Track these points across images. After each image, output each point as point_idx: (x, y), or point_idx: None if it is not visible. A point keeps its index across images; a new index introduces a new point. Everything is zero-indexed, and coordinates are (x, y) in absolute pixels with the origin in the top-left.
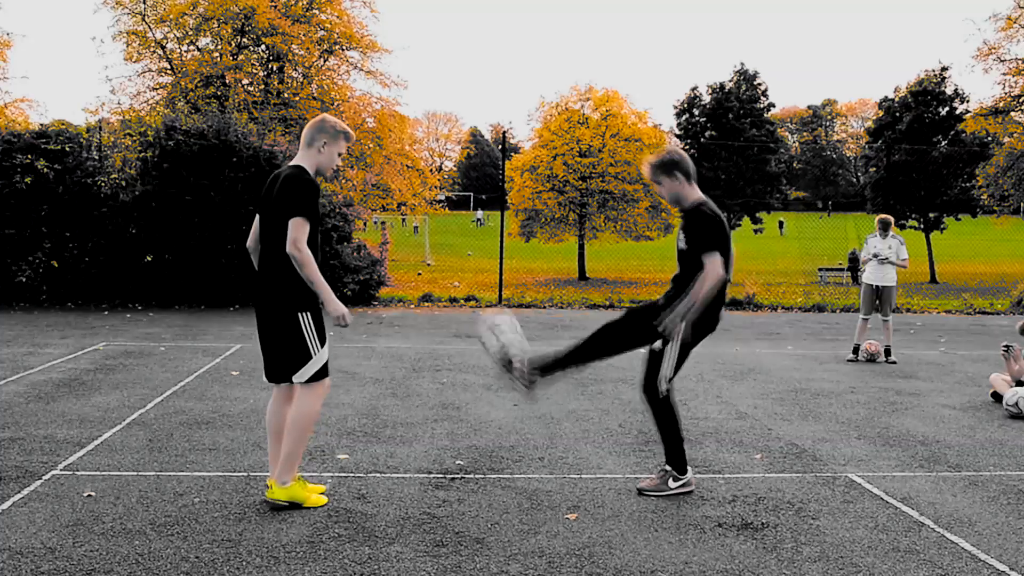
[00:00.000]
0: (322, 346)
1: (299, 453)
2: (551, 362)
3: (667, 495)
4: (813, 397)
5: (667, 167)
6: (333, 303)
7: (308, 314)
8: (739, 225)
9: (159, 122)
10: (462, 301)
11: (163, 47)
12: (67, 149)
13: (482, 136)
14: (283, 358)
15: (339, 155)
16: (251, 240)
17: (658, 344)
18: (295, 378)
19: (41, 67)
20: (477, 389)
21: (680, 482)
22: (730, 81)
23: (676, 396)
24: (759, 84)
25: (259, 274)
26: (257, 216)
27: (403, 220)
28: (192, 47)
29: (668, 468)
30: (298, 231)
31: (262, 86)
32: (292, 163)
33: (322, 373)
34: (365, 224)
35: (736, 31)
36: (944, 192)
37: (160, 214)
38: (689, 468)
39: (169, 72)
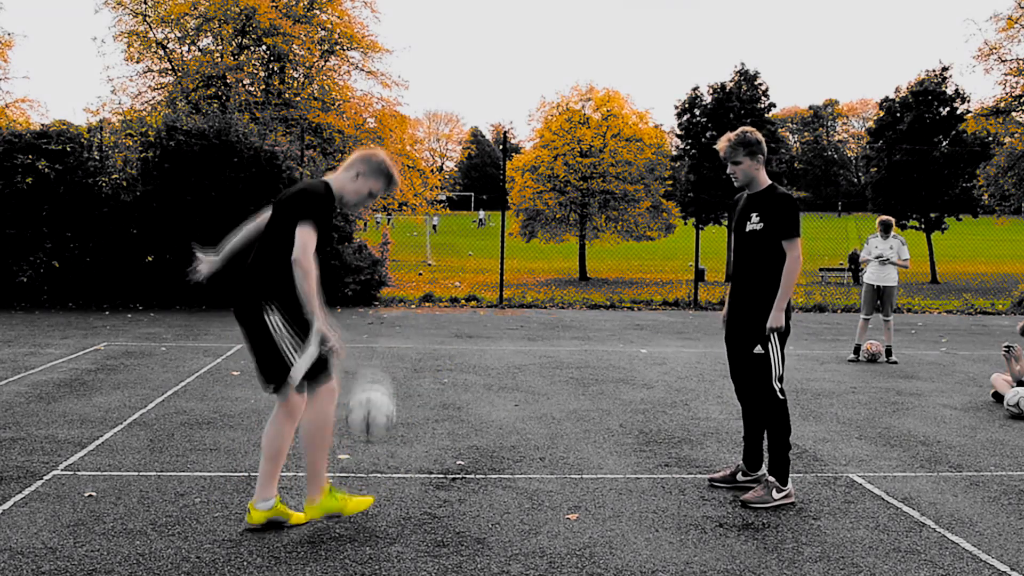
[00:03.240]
0: (298, 352)
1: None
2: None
3: (771, 506)
4: (814, 397)
5: (752, 147)
6: (322, 324)
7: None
8: None
9: (160, 122)
10: (463, 301)
11: (164, 47)
12: (68, 149)
13: (483, 136)
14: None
15: (371, 194)
16: (241, 236)
17: (758, 348)
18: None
19: (42, 67)
20: (478, 389)
21: (783, 493)
22: (731, 81)
23: (678, 397)
24: (760, 84)
25: (245, 274)
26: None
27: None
28: (193, 47)
29: (771, 479)
30: (307, 238)
31: (263, 86)
32: (322, 179)
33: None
34: (366, 225)
35: (736, 31)
36: (945, 192)
37: (161, 214)
38: (790, 481)
39: (170, 72)
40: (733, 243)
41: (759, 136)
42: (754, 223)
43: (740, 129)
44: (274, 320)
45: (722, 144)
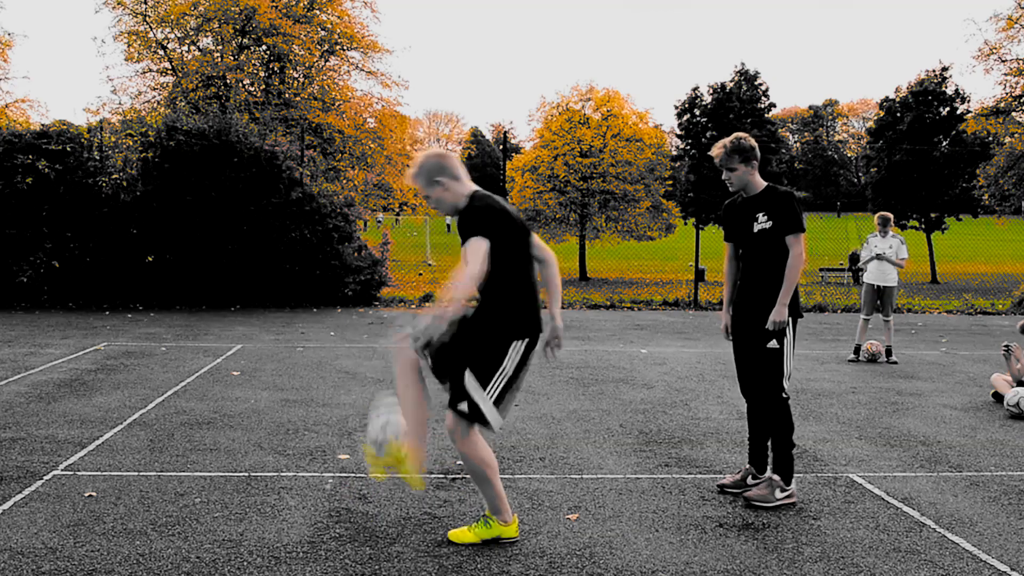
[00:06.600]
0: None
1: None
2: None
3: (773, 506)
4: (814, 397)
5: (746, 153)
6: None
7: None
8: None
9: (160, 122)
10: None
11: (164, 47)
12: (68, 149)
13: (483, 136)
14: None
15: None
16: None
17: (773, 343)
18: None
19: (42, 67)
20: None
21: (786, 492)
22: (731, 81)
23: (678, 397)
24: (760, 84)
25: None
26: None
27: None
28: (193, 47)
29: (775, 477)
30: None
31: (263, 86)
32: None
33: None
34: (366, 225)
35: (737, 31)
36: (945, 192)
37: (161, 214)
38: (793, 480)
39: (170, 72)
40: (742, 246)
41: (753, 142)
42: (762, 223)
43: (734, 135)
44: None
45: (717, 151)
